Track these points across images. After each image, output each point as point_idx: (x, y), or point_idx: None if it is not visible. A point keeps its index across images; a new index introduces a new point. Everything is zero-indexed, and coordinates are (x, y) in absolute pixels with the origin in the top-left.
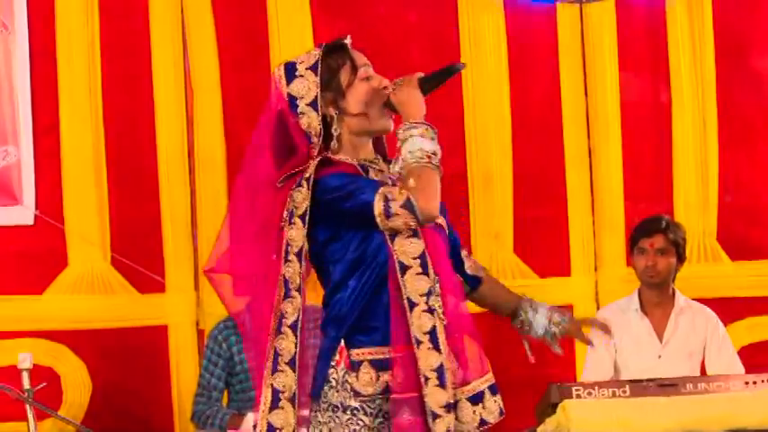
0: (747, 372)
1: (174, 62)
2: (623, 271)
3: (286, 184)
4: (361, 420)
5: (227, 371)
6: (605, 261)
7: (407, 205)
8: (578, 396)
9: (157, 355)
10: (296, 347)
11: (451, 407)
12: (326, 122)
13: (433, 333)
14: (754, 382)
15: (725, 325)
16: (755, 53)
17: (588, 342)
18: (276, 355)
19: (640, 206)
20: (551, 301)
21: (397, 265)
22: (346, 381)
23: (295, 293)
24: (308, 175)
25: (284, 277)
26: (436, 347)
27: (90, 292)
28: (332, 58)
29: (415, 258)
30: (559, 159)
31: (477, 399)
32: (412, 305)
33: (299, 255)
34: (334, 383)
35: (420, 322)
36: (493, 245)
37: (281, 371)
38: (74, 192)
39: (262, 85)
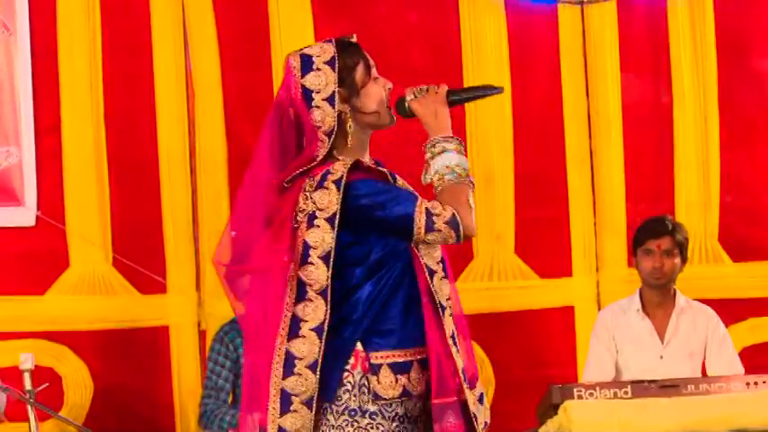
0: (749, 373)
1: (175, 62)
2: (624, 271)
3: (294, 184)
4: (381, 425)
5: (233, 372)
6: (606, 261)
7: (452, 222)
8: (580, 397)
9: (159, 355)
10: (319, 353)
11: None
12: (339, 120)
13: (453, 336)
14: (756, 383)
15: (726, 326)
16: (757, 53)
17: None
18: (291, 357)
19: (641, 207)
20: (553, 302)
21: (425, 269)
22: (364, 385)
23: (316, 297)
24: (336, 177)
25: (300, 279)
26: (458, 350)
27: (91, 293)
28: (347, 55)
29: (438, 263)
30: (561, 160)
31: (481, 399)
32: (443, 309)
33: (325, 258)
34: (350, 387)
35: (448, 326)
36: (494, 245)
37: (299, 374)
38: (75, 192)
39: (263, 85)
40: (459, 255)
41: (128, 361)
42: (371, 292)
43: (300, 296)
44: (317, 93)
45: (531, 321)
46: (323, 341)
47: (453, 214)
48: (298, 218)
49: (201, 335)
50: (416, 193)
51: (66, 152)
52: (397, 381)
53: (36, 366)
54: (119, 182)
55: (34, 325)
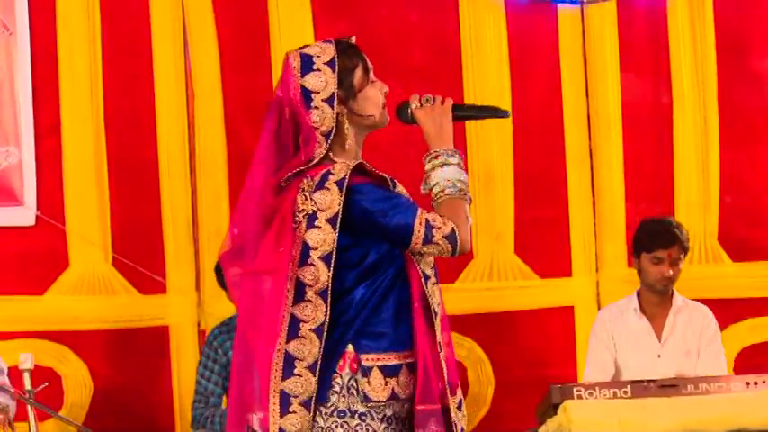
0: (749, 372)
1: (174, 63)
2: (624, 271)
3: (291, 184)
4: (370, 426)
5: (223, 375)
6: (606, 261)
7: (451, 237)
8: (579, 397)
9: (158, 355)
10: (320, 353)
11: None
12: (337, 121)
13: (440, 343)
14: (755, 383)
15: (726, 326)
16: (756, 53)
17: None
18: (291, 357)
19: (641, 207)
20: (552, 302)
21: (421, 274)
22: (353, 386)
23: (315, 297)
24: (338, 177)
25: (299, 280)
26: (443, 357)
27: (91, 293)
28: (346, 57)
29: (432, 268)
30: (560, 160)
31: (460, 406)
32: (435, 314)
33: (325, 259)
34: (338, 389)
35: (440, 331)
36: (494, 245)
37: (298, 375)
38: (75, 192)
39: (263, 86)
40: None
41: (127, 361)
42: (364, 295)
43: (299, 297)
44: (317, 93)
45: (530, 321)
46: (323, 342)
47: (453, 229)
48: (296, 218)
49: (201, 335)
50: (416, 204)
51: (66, 152)
52: (386, 383)
53: (36, 366)
54: (118, 182)
55: (34, 325)
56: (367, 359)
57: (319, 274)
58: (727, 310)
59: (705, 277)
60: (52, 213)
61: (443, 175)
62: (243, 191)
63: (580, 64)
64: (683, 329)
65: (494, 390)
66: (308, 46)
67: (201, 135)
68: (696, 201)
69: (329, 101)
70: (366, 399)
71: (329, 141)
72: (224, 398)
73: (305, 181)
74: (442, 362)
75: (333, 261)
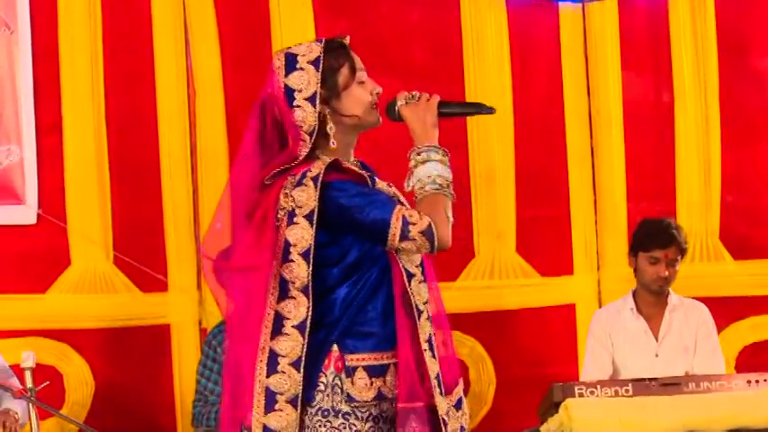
0: (750, 371)
1: (176, 61)
2: (625, 270)
3: (275, 182)
4: (354, 425)
5: (222, 375)
6: (608, 260)
7: (427, 232)
8: (581, 395)
9: (160, 353)
10: (303, 350)
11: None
12: (320, 120)
13: (430, 340)
14: (757, 381)
15: (727, 324)
16: (758, 53)
17: None
18: (275, 355)
19: (643, 205)
20: (554, 301)
21: (404, 272)
22: (337, 385)
23: (298, 294)
24: (314, 174)
25: (282, 277)
26: (434, 355)
27: (93, 291)
28: (332, 56)
29: (417, 266)
30: (562, 158)
31: (459, 405)
32: (419, 313)
33: (305, 255)
34: (323, 388)
35: (424, 329)
36: (495, 244)
37: (282, 372)
38: (76, 191)
39: (264, 85)
40: (460, 253)
41: (129, 359)
42: (348, 294)
43: (283, 294)
44: (299, 92)
45: (532, 320)
46: (306, 338)
47: (429, 224)
48: (279, 215)
49: (202, 333)
50: (396, 199)
51: (68, 150)
52: (372, 383)
53: (37, 364)
54: (120, 180)
55: (35, 323)
56: (352, 359)
57: (300, 271)
58: (729, 309)
59: (706, 276)
60: (53, 212)
61: (425, 172)
62: (226, 187)
63: (581, 62)
64: (679, 327)
65: (495, 388)
66: (297, 46)
67: (203, 133)
68: (697, 199)
69: (311, 99)
70: (350, 398)
71: (312, 140)
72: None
73: (288, 179)
74: (428, 360)
75: (311, 257)
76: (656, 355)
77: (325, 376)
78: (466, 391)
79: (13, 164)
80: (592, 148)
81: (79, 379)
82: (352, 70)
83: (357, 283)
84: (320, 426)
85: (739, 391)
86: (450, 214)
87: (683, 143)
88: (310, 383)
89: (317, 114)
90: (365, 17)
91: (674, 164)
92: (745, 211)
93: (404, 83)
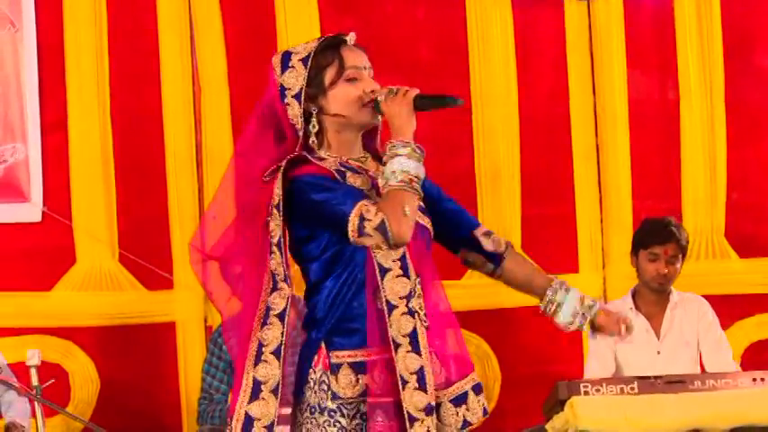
0: (756, 368)
1: (181, 59)
2: (631, 268)
3: (273, 178)
4: (339, 422)
5: (228, 372)
6: (613, 258)
7: (381, 228)
8: (586, 393)
9: (165, 351)
10: (282, 337)
11: (432, 409)
12: (306, 118)
13: (413, 335)
14: (762, 379)
15: (733, 322)
16: (763, 50)
17: (611, 333)
18: (260, 345)
19: (648, 203)
20: None
21: (376, 267)
22: (324, 382)
23: (282, 285)
24: (283, 168)
25: (270, 270)
26: (416, 350)
27: (98, 289)
28: (322, 54)
29: (395, 260)
30: (567, 156)
31: (460, 400)
32: (391, 308)
33: (279, 245)
34: (311, 384)
35: (399, 325)
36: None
37: (265, 361)
38: (81, 189)
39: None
40: None
41: (134, 357)
42: (332, 290)
43: (273, 286)
44: (289, 90)
45: (537, 317)
46: (285, 327)
47: (382, 221)
48: (269, 210)
49: (208, 330)
50: (362, 195)
51: (73, 148)
52: (357, 380)
53: (43, 362)
54: (125, 178)
55: (41, 321)
56: (337, 356)
57: (276, 262)
58: (734, 307)
59: (712, 273)
60: (59, 209)
61: (390, 167)
62: (221, 182)
63: (587, 60)
64: (680, 323)
65: (500, 386)
66: (297, 45)
67: (208, 131)
68: (703, 197)
69: (297, 97)
70: (334, 396)
71: (301, 137)
72: (229, 394)
73: (278, 175)
74: (401, 356)
75: (284, 248)
76: (658, 353)
77: (315, 373)
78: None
79: (18, 162)
80: (597, 146)
81: (84, 376)
82: (340, 68)
83: (341, 278)
84: (308, 422)
85: (745, 389)
86: (407, 209)
87: (689, 141)
88: (302, 380)
89: (301, 112)
90: (371, 16)
91: (680, 162)
92: (750, 208)
93: (409, 81)
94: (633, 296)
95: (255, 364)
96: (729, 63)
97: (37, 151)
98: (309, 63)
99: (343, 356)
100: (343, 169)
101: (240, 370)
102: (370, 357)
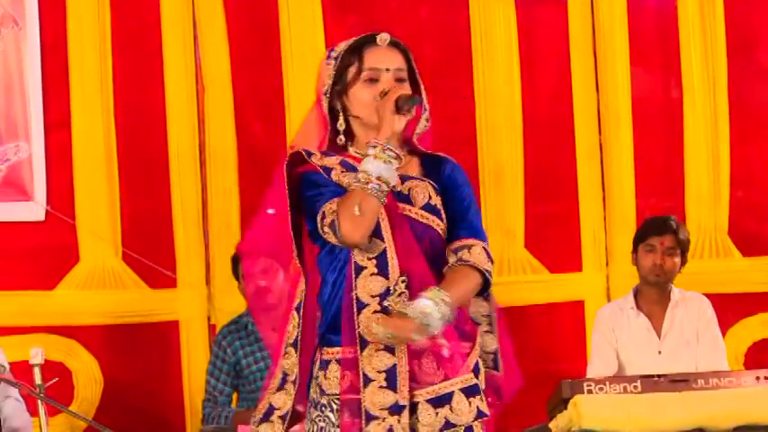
0: (759, 367)
1: (185, 58)
2: (634, 266)
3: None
4: (327, 417)
5: (232, 375)
6: (616, 256)
7: (332, 227)
8: (590, 391)
9: (169, 350)
10: (299, 329)
11: (399, 409)
12: (332, 115)
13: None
14: (766, 378)
15: (736, 320)
16: (766, 48)
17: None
18: (285, 338)
19: (651, 201)
20: (563, 297)
21: (352, 265)
22: (318, 378)
23: (303, 277)
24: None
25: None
26: (389, 348)
27: (101, 288)
28: (348, 55)
29: (371, 258)
30: (570, 155)
31: (442, 400)
32: (361, 306)
33: (292, 237)
34: (312, 380)
35: (369, 323)
36: (504, 240)
37: (287, 353)
38: (85, 187)
39: (273, 81)
40: None
41: (138, 355)
42: (330, 286)
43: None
44: (322, 86)
45: (540, 316)
46: (300, 319)
47: (333, 221)
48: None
49: (211, 329)
50: (335, 194)
51: (76, 147)
52: (344, 376)
53: (46, 361)
54: (128, 177)
55: (44, 319)
56: (328, 353)
57: (295, 255)
58: (738, 305)
59: (715, 272)
60: (62, 208)
61: (360, 166)
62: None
63: (590, 58)
64: (681, 322)
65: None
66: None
67: (212, 130)
68: (706, 195)
69: (325, 93)
70: (322, 391)
71: (330, 131)
72: (233, 396)
73: None
74: (367, 354)
75: (293, 240)
76: (659, 352)
77: (314, 370)
78: None
79: (21, 160)
80: (600, 145)
81: (88, 375)
82: (359, 69)
83: (334, 274)
84: (308, 415)
85: (748, 388)
86: (358, 210)
87: (692, 139)
88: (309, 376)
89: (327, 107)
90: (374, 14)
91: (683, 160)
92: (754, 206)
93: None
94: (635, 295)
95: (283, 356)
96: (733, 61)
97: (40, 150)
98: (338, 62)
99: (332, 353)
100: (338, 167)
101: (275, 357)
102: (344, 355)
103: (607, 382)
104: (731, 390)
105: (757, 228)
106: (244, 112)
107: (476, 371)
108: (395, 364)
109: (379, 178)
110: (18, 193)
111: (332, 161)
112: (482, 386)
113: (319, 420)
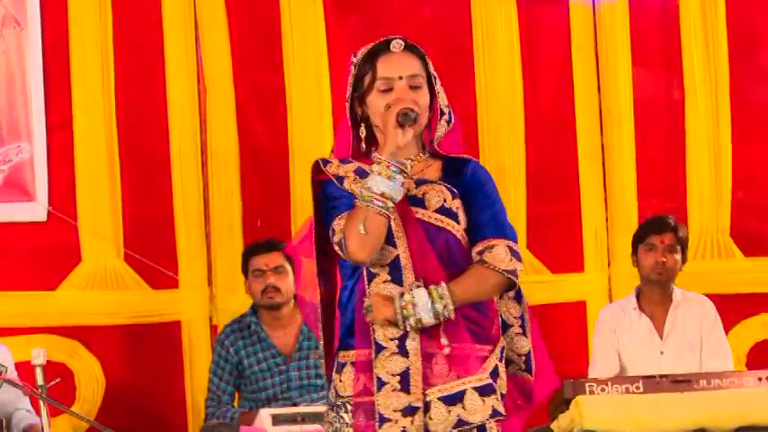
0: (761, 368)
1: (186, 58)
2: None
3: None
4: (342, 418)
5: (234, 375)
6: (618, 257)
7: (340, 245)
8: (591, 392)
9: (170, 350)
10: (321, 327)
11: (413, 410)
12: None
13: (401, 338)
14: None
15: (738, 321)
16: None
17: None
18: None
19: (653, 202)
20: (564, 298)
21: (365, 272)
22: (334, 380)
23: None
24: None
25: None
26: (402, 352)
27: (103, 288)
28: (363, 62)
29: (384, 266)
30: (572, 155)
31: (455, 398)
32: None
33: (316, 242)
34: (329, 383)
35: (384, 329)
36: None
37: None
38: (87, 188)
39: (275, 82)
40: None
41: (140, 356)
42: (348, 293)
43: None
44: (346, 92)
45: (542, 316)
46: (324, 318)
47: (341, 239)
48: None
49: (213, 330)
50: (347, 206)
51: (78, 148)
52: (358, 379)
53: (48, 361)
54: (130, 177)
55: (46, 320)
56: (344, 356)
57: (316, 257)
58: (740, 306)
59: (717, 272)
60: (64, 209)
61: (364, 182)
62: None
63: (592, 59)
64: (683, 323)
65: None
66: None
67: (213, 130)
68: (708, 196)
69: (348, 99)
70: (337, 394)
71: (354, 136)
72: (236, 396)
73: None
74: (381, 358)
75: (314, 244)
76: (661, 353)
77: (333, 372)
78: None
79: (23, 161)
80: (602, 145)
81: (90, 376)
82: (373, 79)
83: (352, 281)
84: (326, 416)
85: (750, 388)
86: (364, 229)
87: (694, 140)
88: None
89: (349, 113)
90: (376, 15)
91: (685, 161)
92: (755, 207)
93: None
94: (637, 296)
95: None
96: (735, 62)
97: (42, 150)
98: (356, 69)
99: (348, 356)
100: (351, 175)
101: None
102: (359, 358)
103: (609, 383)
104: (733, 390)
105: (759, 228)
106: (245, 113)
107: (493, 374)
108: (408, 368)
109: (383, 195)
110: (20, 193)
111: (347, 169)
112: (502, 390)
113: (335, 421)
